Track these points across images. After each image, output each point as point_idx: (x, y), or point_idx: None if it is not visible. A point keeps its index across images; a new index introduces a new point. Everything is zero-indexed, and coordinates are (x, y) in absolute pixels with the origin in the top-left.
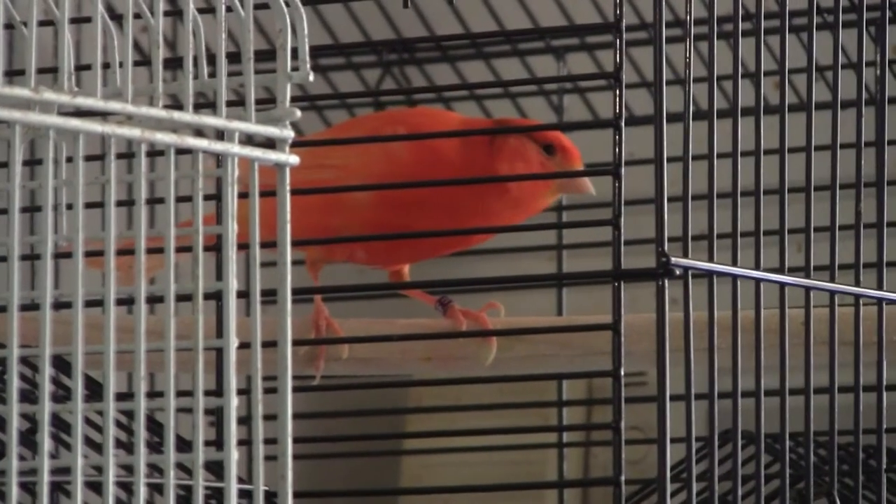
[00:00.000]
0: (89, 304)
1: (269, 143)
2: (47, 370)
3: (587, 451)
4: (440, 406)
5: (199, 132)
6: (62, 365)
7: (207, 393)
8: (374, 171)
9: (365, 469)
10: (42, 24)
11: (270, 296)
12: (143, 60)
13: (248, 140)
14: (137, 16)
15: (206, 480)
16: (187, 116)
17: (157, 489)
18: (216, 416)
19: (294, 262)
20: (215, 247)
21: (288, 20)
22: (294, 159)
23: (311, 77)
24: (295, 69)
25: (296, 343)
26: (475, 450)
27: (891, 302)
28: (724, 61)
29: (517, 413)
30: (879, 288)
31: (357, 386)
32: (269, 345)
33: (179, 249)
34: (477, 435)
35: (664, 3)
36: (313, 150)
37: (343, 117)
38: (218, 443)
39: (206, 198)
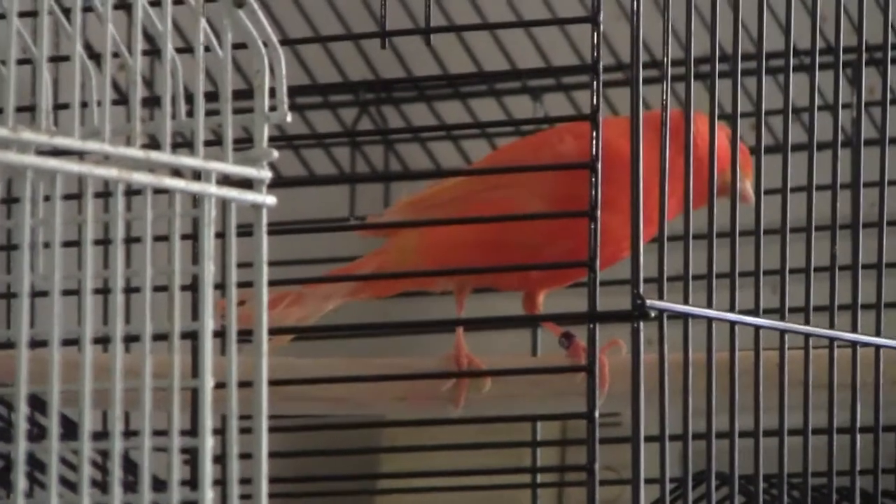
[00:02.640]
0: (65, 342)
1: (250, 183)
2: (23, 408)
3: (561, 492)
4: (414, 446)
5: (176, 172)
6: (38, 403)
7: (183, 432)
8: (544, 183)
9: None
10: (20, 62)
11: (247, 335)
12: (122, 99)
13: (227, 180)
14: (116, 55)
15: None
16: (164, 156)
17: None
18: (191, 456)
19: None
20: (192, 287)
21: (266, 61)
22: (271, 200)
23: (289, 118)
24: (273, 109)
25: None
26: (449, 490)
27: (865, 345)
28: (701, 103)
29: (491, 453)
30: (854, 330)
31: (332, 426)
32: (245, 384)
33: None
34: (450, 476)
35: (641, 44)
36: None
37: (320, 157)
38: (193, 482)
39: (183, 237)
